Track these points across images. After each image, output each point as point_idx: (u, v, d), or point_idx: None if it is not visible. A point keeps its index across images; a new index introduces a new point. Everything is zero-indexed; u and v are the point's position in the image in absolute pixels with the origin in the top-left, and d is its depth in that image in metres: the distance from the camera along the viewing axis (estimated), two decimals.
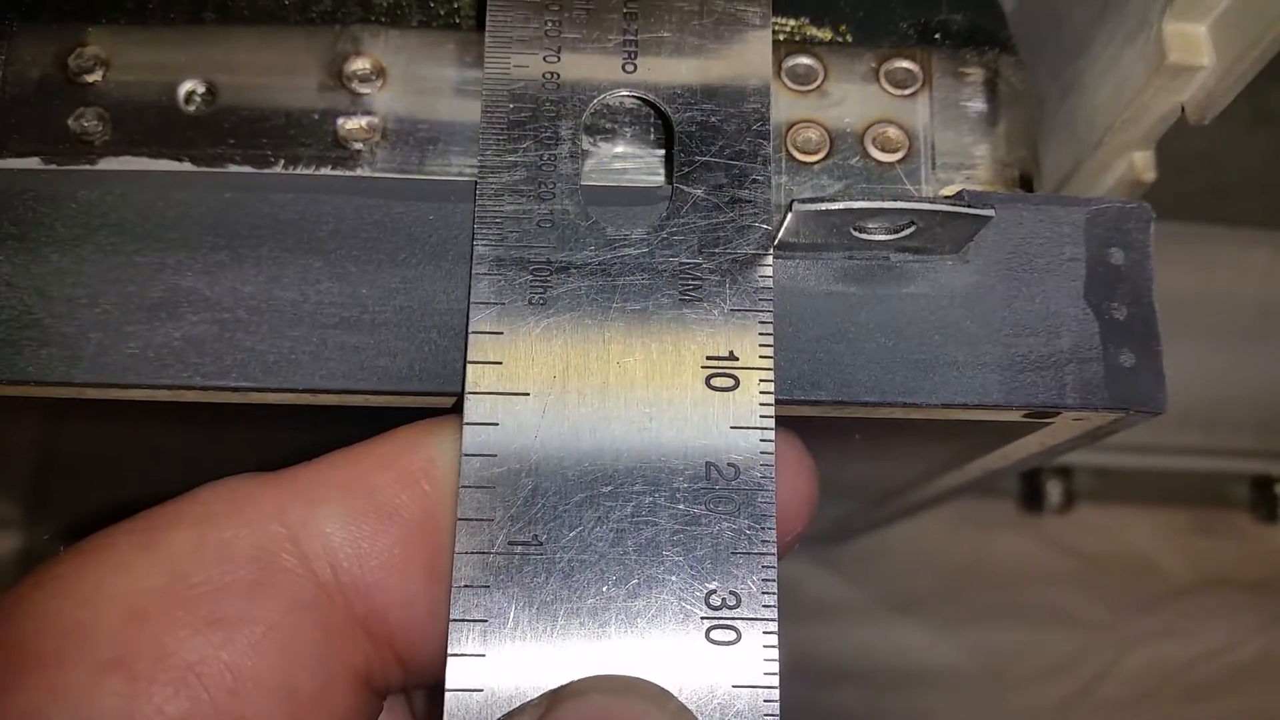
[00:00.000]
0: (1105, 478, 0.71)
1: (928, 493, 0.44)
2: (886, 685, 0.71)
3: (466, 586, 0.23)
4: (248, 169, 0.26)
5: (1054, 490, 0.69)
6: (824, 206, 0.24)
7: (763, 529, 0.24)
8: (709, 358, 0.24)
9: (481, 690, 0.22)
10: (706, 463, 0.24)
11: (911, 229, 0.25)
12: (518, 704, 0.22)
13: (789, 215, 0.24)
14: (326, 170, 0.26)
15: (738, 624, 0.23)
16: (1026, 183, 0.29)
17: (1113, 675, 0.72)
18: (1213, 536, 0.74)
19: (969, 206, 0.24)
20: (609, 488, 0.24)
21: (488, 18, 0.26)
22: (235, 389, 0.24)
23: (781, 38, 0.29)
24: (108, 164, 0.26)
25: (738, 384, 0.24)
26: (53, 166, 0.26)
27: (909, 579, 0.72)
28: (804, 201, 0.24)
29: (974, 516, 0.71)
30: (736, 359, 0.24)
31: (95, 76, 0.27)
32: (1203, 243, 0.62)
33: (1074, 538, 0.72)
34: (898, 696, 0.71)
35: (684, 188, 0.25)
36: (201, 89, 0.27)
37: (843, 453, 0.34)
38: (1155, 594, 0.73)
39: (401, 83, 0.27)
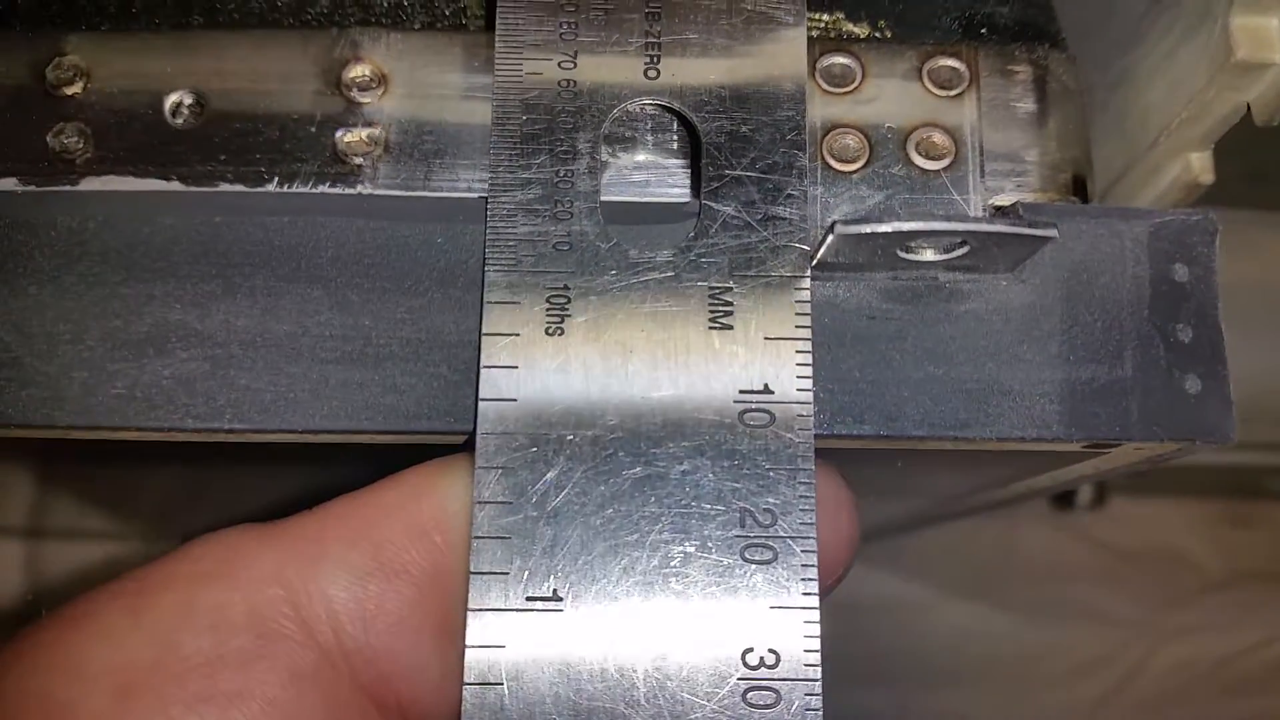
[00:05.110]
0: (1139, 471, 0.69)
1: (966, 506, 0.42)
2: (916, 683, 0.69)
3: (481, 647, 0.21)
4: (240, 188, 0.24)
5: (1086, 485, 0.68)
6: (870, 229, 0.22)
7: (802, 580, 0.22)
8: (742, 391, 0.22)
9: None
10: (741, 509, 0.22)
11: (964, 249, 0.23)
12: None
13: (830, 237, 0.22)
14: (325, 188, 0.24)
15: (777, 685, 0.21)
16: (1080, 185, 0.27)
17: (1146, 672, 0.70)
18: (1248, 529, 0.72)
19: (1029, 226, 0.22)
20: (634, 536, 0.22)
21: (498, 19, 0.24)
22: (229, 430, 0.23)
23: (815, 35, 0.27)
24: (89, 184, 0.24)
25: (773, 420, 0.22)
26: (31, 188, 0.24)
27: (939, 575, 0.70)
28: (846, 222, 0.22)
29: (1005, 512, 0.69)
30: (772, 392, 0.22)
31: (75, 89, 0.25)
32: (1240, 229, 0.60)
33: (1107, 532, 0.71)
34: (927, 695, 0.70)
35: (713, 204, 0.23)
36: (189, 100, 0.25)
37: (880, 471, 0.32)
38: (1189, 589, 0.71)
39: (405, 90, 0.25)
